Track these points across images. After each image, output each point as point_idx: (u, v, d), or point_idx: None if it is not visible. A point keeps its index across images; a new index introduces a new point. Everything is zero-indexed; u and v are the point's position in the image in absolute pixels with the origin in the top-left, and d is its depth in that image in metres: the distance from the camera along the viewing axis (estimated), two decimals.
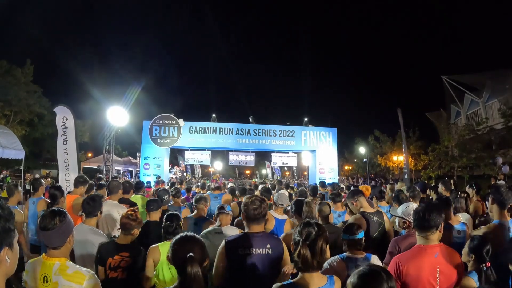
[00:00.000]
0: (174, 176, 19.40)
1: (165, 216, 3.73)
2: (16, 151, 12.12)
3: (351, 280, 1.63)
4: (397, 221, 3.73)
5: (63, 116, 10.08)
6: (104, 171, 13.06)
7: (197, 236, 2.13)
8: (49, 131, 30.19)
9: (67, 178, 9.84)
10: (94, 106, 28.33)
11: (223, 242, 2.86)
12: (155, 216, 4.50)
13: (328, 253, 3.05)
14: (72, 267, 2.29)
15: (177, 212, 3.89)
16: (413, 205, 3.50)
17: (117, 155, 30.64)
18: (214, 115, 18.01)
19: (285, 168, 19.87)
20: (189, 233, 2.13)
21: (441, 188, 6.75)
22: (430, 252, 2.58)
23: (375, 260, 3.09)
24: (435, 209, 2.66)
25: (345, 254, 3.10)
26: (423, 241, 2.64)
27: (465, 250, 2.96)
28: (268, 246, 2.80)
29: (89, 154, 34.57)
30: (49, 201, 5.15)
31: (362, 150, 32.52)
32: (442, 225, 2.66)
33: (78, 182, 5.88)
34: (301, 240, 2.20)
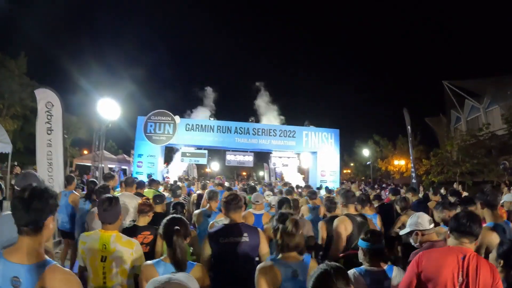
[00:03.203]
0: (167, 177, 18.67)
1: (171, 204, 5.06)
2: (2, 144, 11.68)
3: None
4: (411, 240, 3.52)
5: (48, 102, 8.71)
6: (92, 169, 12.20)
7: (183, 217, 2.82)
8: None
9: (49, 173, 8.76)
10: (90, 101, 27.56)
11: (207, 233, 3.47)
12: (160, 208, 5.46)
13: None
14: (124, 237, 3.07)
15: (182, 201, 5.26)
16: (419, 215, 3.47)
17: (112, 153, 29.92)
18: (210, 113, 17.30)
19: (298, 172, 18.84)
20: (176, 215, 2.83)
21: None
22: (457, 253, 2.44)
23: (396, 271, 2.83)
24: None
25: (363, 267, 2.87)
26: (455, 243, 2.55)
27: (492, 255, 2.79)
28: (245, 234, 3.31)
29: (85, 152, 33.76)
30: (78, 194, 6.64)
31: (366, 152, 31.70)
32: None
33: (107, 178, 7.03)
34: (280, 226, 2.74)
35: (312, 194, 7.22)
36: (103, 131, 11.04)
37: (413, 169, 14.83)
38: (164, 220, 2.74)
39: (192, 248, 4.29)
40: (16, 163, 26.34)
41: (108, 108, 10.68)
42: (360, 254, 2.96)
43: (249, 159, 17.48)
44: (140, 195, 6.31)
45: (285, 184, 16.19)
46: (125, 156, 26.63)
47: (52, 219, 1.94)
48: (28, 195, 1.86)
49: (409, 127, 14.69)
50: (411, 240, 3.49)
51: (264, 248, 3.38)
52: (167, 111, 15.74)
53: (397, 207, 6.01)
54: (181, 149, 17.24)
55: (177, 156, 17.85)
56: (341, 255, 4.06)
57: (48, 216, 1.90)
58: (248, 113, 18.73)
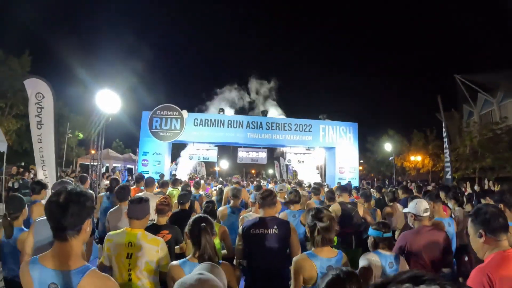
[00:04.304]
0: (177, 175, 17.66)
1: (204, 202, 5.31)
2: None
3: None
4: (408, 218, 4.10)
5: (38, 93, 7.73)
6: (91, 167, 11.21)
7: (208, 216, 2.93)
8: None
9: (44, 173, 7.71)
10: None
11: (241, 226, 3.80)
12: (186, 206, 5.57)
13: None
14: (150, 235, 3.21)
15: (213, 199, 6.22)
16: (418, 201, 3.99)
17: (119, 152, 29.09)
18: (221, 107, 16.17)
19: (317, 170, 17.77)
20: (202, 214, 2.97)
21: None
22: None
23: (403, 262, 3.31)
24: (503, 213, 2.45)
25: (378, 250, 3.31)
26: (498, 245, 2.27)
27: None
28: (275, 227, 3.55)
29: (93, 152, 32.98)
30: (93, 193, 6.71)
31: (388, 147, 30.27)
32: None
33: (138, 179, 7.67)
34: (317, 222, 2.89)
35: (316, 190, 7.89)
36: (103, 126, 9.94)
37: (448, 164, 13.55)
38: (190, 220, 2.84)
39: (223, 242, 4.43)
40: (23, 164, 26.17)
41: (108, 101, 9.57)
42: (371, 240, 3.43)
43: (262, 155, 16.34)
44: (161, 194, 6.76)
45: (298, 183, 15.24)
46: (131, 155, 25.79)
47: (89, 222, 1.91)
48: (64, 199, 1.82)
49: (443, 115, 13.50)
50: (408, 220, 4.12)
51: (294, 240, 3.56)
52: (173, 105, 14.61)
53: (386, 198, 6.94)
54: (189, 146, 16.21)
55: (184, 154, 16.79)
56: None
57: (85, 220, 1.88)
58: (259, 107, 17.73)
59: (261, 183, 13.71)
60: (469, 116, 34.62)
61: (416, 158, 34.41)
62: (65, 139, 29.23)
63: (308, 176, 17.24)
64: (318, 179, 16.81)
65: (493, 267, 2.15)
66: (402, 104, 54.30)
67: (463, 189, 12.52)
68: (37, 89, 7.78)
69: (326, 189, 8.42)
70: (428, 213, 3.97)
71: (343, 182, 14.60)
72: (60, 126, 27.24)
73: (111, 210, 5.07)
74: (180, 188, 9.00)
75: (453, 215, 5.60)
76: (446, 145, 13.84)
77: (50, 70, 32.49)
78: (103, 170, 18.33)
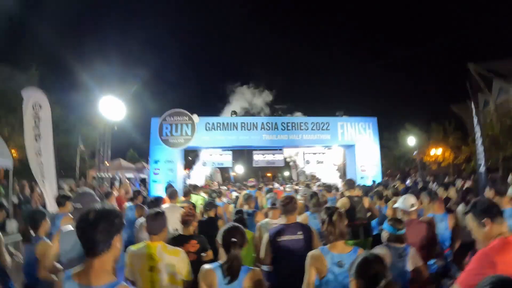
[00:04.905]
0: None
1: (234, 211, 6.59)
2: (2, 159, 10.47)
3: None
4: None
5: (35, 103, 7.25)
6: (96, 179, 10.73)
7: (240, 226, 3.11)
8: (62, 141, 28.82)
9: (44, 187, 7.18)
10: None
11: (268, 232, 4.05)
12: (212, 213, 5.96)
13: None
14: (170, 247, 3.37)
15: (241, 209, 6.55)
16: (406, 197, 4.67)
17: (133, 162, 28.64)
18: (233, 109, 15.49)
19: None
20: (234, 224, 3.13)
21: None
22: None
23: (413, 252, 3.68)
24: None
25: (390, 244, 3.70)
26: (501, 231, 2.45)
27: None
28: (300, 232, 3.87)
29: (106, 163, 32.67)
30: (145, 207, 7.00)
31: (411, 141, 29.24)
32: None
33: (186, 193, 8.20)
34: (327, 218, 3.18)
35: (328, 187, 8.91)
36: (108, 135, 9.37)
37: (481, 156, 12.52)
38: (221, 230, 3.03)
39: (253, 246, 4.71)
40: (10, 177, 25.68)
41: (112, 108, 8.99)
42: (386, 235, 3.77)
43: (279, 158, 15.67)
44: (187, 202, 7.18)
45: (308, 185, 14.57)
46: (144, 164, 25.28)
47: (119, 238, 2.00)
48: (94, 216, 1.92)
49: (472, 103, 12.68)
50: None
51: (316, 244, 3.79)
52: (183, 110, 13.90)
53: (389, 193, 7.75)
54: (203, 152, 15.57)
55: (198, 160, 16.16)
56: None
57: (115, 236, 1.97)
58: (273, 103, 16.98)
59: (274, 186, 13.67)
60: (485, 106, 33.71)
61: (436, 152, 33.38)
62: (76, 151, 28.97)
63: (329, 176, 16.45)
64: (338, 179, 16.06)
65: (496, 250, 2.31)
66: (416, 97, 52.92)
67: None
68: (34, 99, 7.29)
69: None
70: (414, 208, 4.58)
71: (365, 181, 13.96)
72: (71, 138, 26.98)
73: (140, 222, 5.53)
74: (202, 194, 9.73)
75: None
76: (478, 135, 12.84)
77: (58, 83, 32.14)
78: (117, 182, 17.82)
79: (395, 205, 4.78)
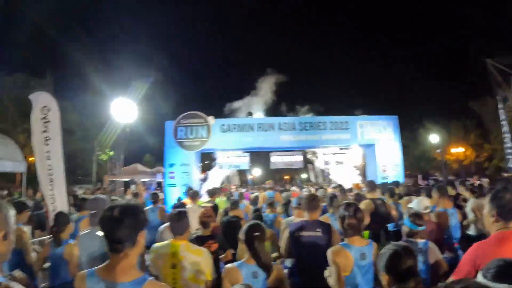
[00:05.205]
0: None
1: (252, 209, 6.91)
2: (14, 163, 10.46)
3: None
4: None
5: (43, 106, 7.08)
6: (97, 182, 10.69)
7: (260, 222, 3.29)
8: (80, 147, 29.03)
9: (51, 192, 6.94)
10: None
11: (288, 228, 4.29)
12: (236, 212, 6.25)
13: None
14: (193, 246, 3.45)
15: (259, 207, 7.25)
16: (420, 200, 5.12)
17: (150, 167, 28.54)
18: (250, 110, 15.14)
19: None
20: (255, 221, 3.31)
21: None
22: None
23: (432, 247, 3.74)
24: None
25: (409, 240, 3.75)
26: (505, 226, 2.48)
27: None
28: (318, 229, 3.97)
29: (119, 167, 32.72)
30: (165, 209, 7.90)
31: (434, 138, 28.39)
32: None
33: (212, 193, 8.63)
34: (346, 214, 3.30)
35: (343, 190, 9.27)
36: (121, 138, 9.18)
37: (510, 149, 11.90)
38: (244, 227, 3.20)
39: (273, 245, 4.87)
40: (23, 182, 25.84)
41: (124, 110, 8.78)
42: (406, 230, 3.87)
43: (298, 159, 15.16)
44: (210, 202, 7.74)
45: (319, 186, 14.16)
46: (161, 168, 25.13)
47: (143, 234, 2.00)
48: (118, 212, 1.91)
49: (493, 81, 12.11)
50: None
51: (335, 241, 3.84)
52: (198, 112, 13.62)
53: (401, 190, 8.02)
54: (219, 154, 15.23)
55: (215, 163, 15.83)
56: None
57: (140, 232, 1.97)
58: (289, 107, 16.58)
59: (291, 188, 13.48)
60: (504, 101, 32.76)
61: (457, 150, 32.58)
62: (94, 157, 29.06)
63: (349, 178, 15.95)
64: (358, 180, 15.56)
65: (489, 243, 2.44)
66: (433, 95, 51.65)
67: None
68: (43, 103, 7.14)
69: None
70: (428, 210, 4.89)
71: (386, 181, 13.24)
72: (87, 143, 27.13)
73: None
74: (221, 197, 10.25)
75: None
76: (505, 128, 12.20)
77: (73, 90, 32.34)
78: (133, 187, 17.65)
79: (410, 205, 5.12)
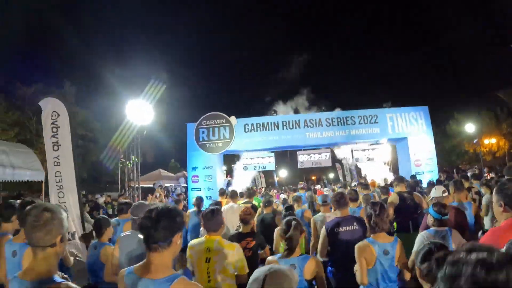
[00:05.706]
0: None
1: (285, 206, 6.29)
2: (32, 172, 10.52)
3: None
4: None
5: (53, 112, 6.82)
6: (122, 189, 10.62)
7: (296, 217, 3.49)
8: (105, 155, 29.68)
9: (60, 199, 6.70)
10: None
11: (324, 225, 4.49)
12: (268, 210, 6.74)
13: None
14: (226, 241, 3.61)
15: (291, 204, 6.59)
16: (437, 187, 5.55)
17: (175, 172, 28.36)
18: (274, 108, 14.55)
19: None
20: (291, 216, 3.53)
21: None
22: None
23: (455, 234, 3.92)
24: None
25: (432, 229, 4.00)
26: None
27: None
28: (355, 223, 4.31)
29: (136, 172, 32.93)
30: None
31: (470, 128, 27.07)
32: None
33: (250, 194, 8.90)
34: (373, 212, 3.53)
35: (365, 185, 9.82)
36: (138, 141, 8.82)
37: None
38: (283, 221, 3.44)
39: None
40: (84, 192, 26.33)
41: (139, 111, 8.43)
42: (430, 219, 4.07)
43: (326, 157, 14.53)
44: (249, 202, 8.05)
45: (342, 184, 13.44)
46: (185, 173, 24.92)
47: (180, 236, 2.11)
48: (156, 214, 2.03)
49: None
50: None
51: (368, 235, 3.89)
52: (220, 113, 13.13)
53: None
54: (243, 156, 14.69)
55: (239, 165, 15.30)
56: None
57: (176, 233, 2.07)
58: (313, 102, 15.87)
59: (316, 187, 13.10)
60: None
61: (490, 141, 31.22)
62: (118, 165, 29.18)
63: (380, 174, 15.18)
64: (390, 176, 14.76)
65: (503, 230, 2.56)
66: (461, 86, 49.90)
67: None
68: (52, 108, 6.88)
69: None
70: (446, 194, 5.40)
71: (420, 176, 12.63)
72: (111, 151, 27.37)
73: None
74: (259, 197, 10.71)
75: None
76: None
77: (95, 101, 32.43)
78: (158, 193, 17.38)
79: (431, 194, 5.56)
